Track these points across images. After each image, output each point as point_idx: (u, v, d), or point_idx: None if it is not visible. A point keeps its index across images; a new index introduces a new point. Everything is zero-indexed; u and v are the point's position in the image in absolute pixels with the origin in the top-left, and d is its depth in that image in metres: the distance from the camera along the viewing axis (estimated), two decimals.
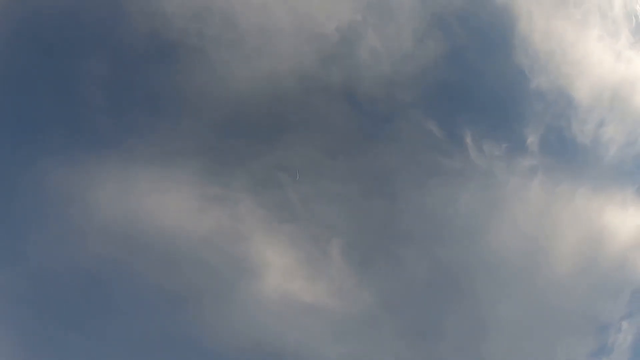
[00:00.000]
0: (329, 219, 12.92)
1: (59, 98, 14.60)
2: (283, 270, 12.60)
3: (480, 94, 14.37)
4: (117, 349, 13.09)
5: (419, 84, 13.62)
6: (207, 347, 12.97)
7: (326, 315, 12.42)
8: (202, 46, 13.51)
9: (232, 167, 13.02)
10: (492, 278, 13.42)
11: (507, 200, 13.92)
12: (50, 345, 13.16)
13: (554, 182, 14.58)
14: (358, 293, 12.62)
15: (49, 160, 13.79)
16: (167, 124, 13.47)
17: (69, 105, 14.70)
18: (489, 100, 14.48)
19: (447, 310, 13.15)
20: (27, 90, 14.49)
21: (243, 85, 13.19)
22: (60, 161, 13.70)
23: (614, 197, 15.13)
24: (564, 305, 14.32)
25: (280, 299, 12.45)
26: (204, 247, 12.87)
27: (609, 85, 15.73)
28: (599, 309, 14.45)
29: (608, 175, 15.33)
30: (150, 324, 13.35)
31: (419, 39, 14.11)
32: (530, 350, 13.90)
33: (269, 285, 12.67)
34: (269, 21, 13.60)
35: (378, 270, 12.93)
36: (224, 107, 13.21)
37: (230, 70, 13.31)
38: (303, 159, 12.87)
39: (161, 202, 13.29)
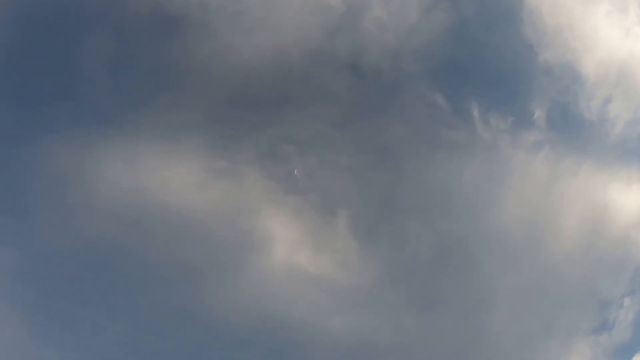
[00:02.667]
0: (334, 191, 12.95)
1: (61, 73, 14.48)
2: (289, 243, 12.70)
3: (487, 67, 14.19)
4: (123, 325, 13.30)
5: (425, 56, 13.44)
6: (213, 320, 13.18)
7: (331, 287, 12.58)
8: (205, 18, 13.32)
9: (238, 141, 13.00)
10: (496, 251, 13.51)
11: (512, 175, 13.90)
12: (56, 324, 13.37)
13: (559, 157, 14.53)
14: (363, 265, 12.76)
15: (51, 137, 13.77)
16: (171, 98, 13.38)
17: (70, 80, 14.58)
18: (495, 74, 14.30)
19: (450, 283, 13.30)
20: (28, 66, 14.37)
21: (247, 57, 13.05)
22: (63, 137, 13.67)
23: (618, 174, 15.07)
24: (566, 280, 14.44)
25: (286, 271, 12.59)
26: (210, 221, 12.96)
27: (616, 62, 15.50)
28: (600, 285, 14.55)
29: (613, 152, 15.25)
30: (157, 299, 13.53)
31: (425, 10, 13.86)
32: (532, 324, 14.08)
33: (275, 257, 12.80)
34: None
35: (383, 243, 13.03)
36: (228, 80, 13.10)
37: (234, 42, 13.15)
38: (308, 131, 12.84)
39: (166, 177, 13.32)
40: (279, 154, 13.14)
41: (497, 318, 13.56)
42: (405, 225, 13.12)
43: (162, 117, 13.46)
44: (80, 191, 13.69)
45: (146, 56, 13.93)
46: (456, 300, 13.35)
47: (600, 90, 15.40)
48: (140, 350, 13.24)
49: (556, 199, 14.57)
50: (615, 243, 14.65)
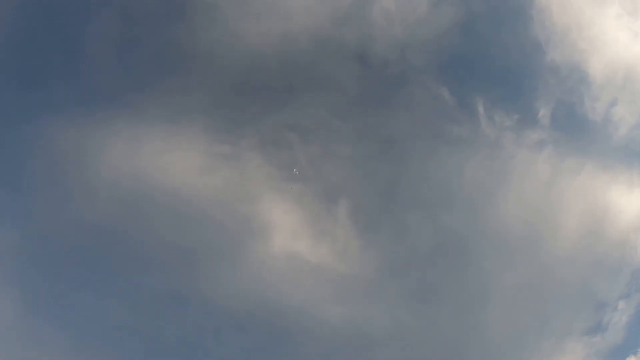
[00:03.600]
0: (336, 180, 12.96)
1: (66, 54, 14.42)
2: (290, 230, 12.74)
3: (494, 64, 14.15)
4: (121, 307, 13.36)
5: (433, 49, 13.40)
6: (210, 305, 13.25)
7: (330, 276, 12.64)
8: (213, 2, 13.25)
9: (241, 126, 12.98)
10: (495, 248, 13.56)
11: (514, 172, 13.92)
12: (54, 303, 13.44)
13: (562, 157, 14.53)
14: (362, 255, 12.81)
15: (56, 117, 13.75)
16: (177, 81, 13.34)
17: (76, 61, 14.52)
18: (502, 71, 14.26)
19: (448, 278, 13.37)
20: (34, 46, 14.31)
21: (254, 43, 12.99)
22: (68, 118, 13.65)
23: (620, 177, 15.07)
24: (563, 280, 14.50)
25: (286, 259, 12.65)
26: (212, 205, 12.98)
27: (623, 65, 15.43)
28: (597, 287, 14.60)
29: (616, 154, 15.24)
30: (154, 283, 13.59)
31: (434, 4, 13.78)
32: (527, 322, 14.16)
33: (274, 244, 12.84)
34: None
35: (383, 234, 13.08)
36: (234, 65, 13.05)
37: (241, 27, 13.08)
38: (312, 120, 12.82)
39: (168, 160, 13.31)
40: (282, 141, 13.14)
41: (492, 314, 13.64)
42: (406, 217, 13.16)
43: (166, 100, 13.43)
44: (82, 172, 13.70)
45: (152, 38, 13.86)
46: (453, 294, 13.43)
47: (606, 92, 15.36)
48: (137, 332, 13.33)
49: (557, 199, 14.58)
50: (613, 245, 14.68)
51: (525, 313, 14.09)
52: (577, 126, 14.90)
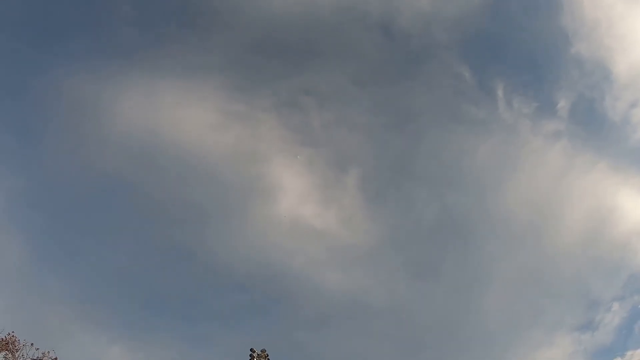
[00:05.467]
0: (348, 148, 12.98)
1: (85, 5, 14.27)
2: (297, 194, 12.84)
3: (519, 49, 13.92)
4: (126, 258, 13.57)
5: (458, 27, 13.18)
6: (213, 261, 13.46)
7: (333, 243, 12.79)
8: None
9: (258, 86, 12.93)
10: (497, 234, 13.64)
11: (526, 160, 13.86)
12: (60, 251, 13.67)
13: (576, 151, 14.41)
14: (366, 226, 12.93)
15: (70, 68, 13.75)
16: (195, 37, 13.23)
17: (94, 13, 14.38)
18: (526, 57, 14.06)
19: (449, 256, 13.50)
20: None
21: (277, 3, 12.81)
22: (83, 69, 13.65)
23: (631, 179, 14.94)
24: (560, 273, 14.58)
25: (291, 222, 12.80)
26: (222, 163, 13.07)
27: None
28: (593, 285, 14.66)
29: (630, 156, 15.10)
30: (161, 236, 13.78)
31: None
32: (520, 310, 14.31)
33: (281, 207, 12.97)
34: None
35: (389, 206, 13.15)
36: (255, 25, 12.91)
37: None
38: (330, 86, 12.72)
39: (182, 115, 13.35)
40: (298, 104, 13.09)
41: (487, 299, 13.78)
42: (414, 192, 13.19)
43: (183, 56, 13.37)
44: (94, 123, 13.77)
45: None
46: (451, 274, 13.58)
47: (628, 92, 15.07)
48: (139, 283, 13.63)
49: (565, 192, 14.53)
50: (615, 247, 14.67)
51: (519, 301, 14.24)
52: (594, 123, 14.72)
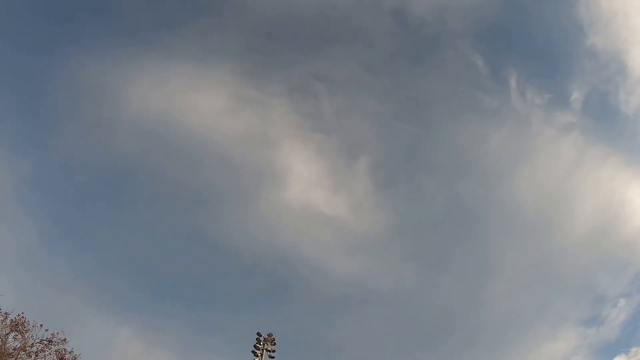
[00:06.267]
0: (359, 134, 12.91)
1: None
2: (307, 180, 12.80)
3: (533, 39, 13.69)
4: (135, 241, 13.63)
5: (473, 15, 12.97)
6: (222, 245, 13.52)
7: (342, 229, 12.77)
8: None
9: (270, 71, 12.87)
10: (506, 225, 13.55)
11: (537, 151, 13.71)
12: (68, 234, 13.76)
13: (588, 144, 14.23)
14: (376, 213, 12.88)
15: (81, 49, 13.69)
16: (207, 21, 13.15)
17: None
18: (540, 47, 13.82)
19: (456, 246, 13.46)
20: None
21: None
22: (94, 53, 13.59)
23: None
24: (567, 267, 14.49)
25: (300, 207, 12.79)
26: (232, 148, 13.04)
27: None
28: (599, 281, 14.56)
29: None
30: (170, 220, 13.83)
31: None
32: (526, 303, 14.27)
33: (291, 192, 12.94)
34: None
35: (398, 194, 13.08)
36: (268, 10, 12.80)
37: None
38: (342, 72, 12.63)
39: (194, 99, 13.29)
40: (310, 90, 13.01)
41: (493, 290, 13.75)
42: (423, 180, 13.12)
43: (195, 40, 13.29)
44: (106, 106, 13.76)
45: None
46: (459, 263, 13.54)
47: None
48: (149, 267, 13.76)
49: (576, 186, 14.39)
50: (623, 243, 14.54)
51: (526, 294, 14.19)
52: (608, 116, 14.52)
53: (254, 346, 7.22)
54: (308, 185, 12.69)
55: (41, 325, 5.66)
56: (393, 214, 12.72)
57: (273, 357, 7.29)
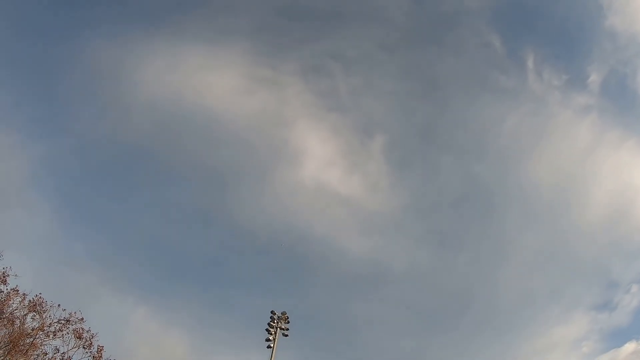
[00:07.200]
0: (374, 114, 12.62)
1: None
2: (322, 159, 12.64)
3: (551, 19, 13.06)
4: (151, 222, 13.74)
5: None
6: (237, 225, 13.57)
7: (356, 209, 12.69)
8: None
9: (284, 50, 12.51)
10: (520, 206, 13.31)
11: (554, 133, 13.30)
12: (84, 216, 13.88)
13: (605, 127, 13.77)
14: (391, 193, 12.74)
15: (95, 34, 13.46)
16: (221, 1, 12.69)
17: None
18: (558, 27, 13.21)
19: (470, 227, 13.32)
20: None
21: None
22: (108, 35, 13.37)
23: None
24: (581, 251, 14.28)
25: (314, 187, 12.69)
26: (247, 128, 12.87)
27: None
28: (613, 266, 14.37)
29: None
30: (187, 199, 13.86)
31: None
32: (539, 285, 14.19)
33: (305, 172, 12.82)
34: None
35: (414, 174, 12.89)
36: None
37: None
38: (357, 50, 12.23)
39: (207, 80, 13.03)
40: (325, 69, 12.65)
41: (507, 271, 13.68)
42: (439, 160, 12.88)
43: (208, 20, 12.92)
44: (118, 88, 13.61)
45: None
46: (473, 244, 13.45)
47: None
48: (164, 246, 13.90)
49: (592, 169, 14.01)
50: (638, 228, 14.25)
51: (538, 277, 14.09)
52: (626, 99, 14.00)
53: (268, 324, 7.27)
54: (323, 164, 12.55)
55: (59, 305, 5.80)
56: (408, 193, 12.58)
57: (287, 335, 7.36)
